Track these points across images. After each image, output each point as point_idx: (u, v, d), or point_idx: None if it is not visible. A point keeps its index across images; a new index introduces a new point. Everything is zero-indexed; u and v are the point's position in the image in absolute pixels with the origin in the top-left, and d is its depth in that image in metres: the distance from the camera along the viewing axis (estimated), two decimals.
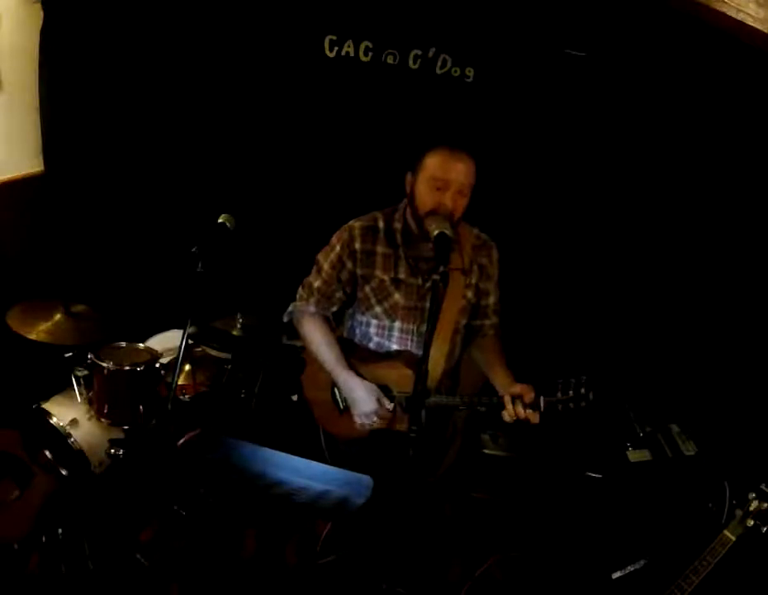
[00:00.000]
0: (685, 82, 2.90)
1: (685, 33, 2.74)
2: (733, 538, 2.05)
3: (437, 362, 2.09)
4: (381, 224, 2.14)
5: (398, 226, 2.13)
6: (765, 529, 2.05)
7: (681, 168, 3.03)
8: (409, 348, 2.16)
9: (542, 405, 1.90)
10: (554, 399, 1.89)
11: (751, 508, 2.06)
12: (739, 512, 2.09)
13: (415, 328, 2.14)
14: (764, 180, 2.92)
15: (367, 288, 2.14)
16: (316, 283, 2.18)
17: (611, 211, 3.15)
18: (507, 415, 1.93)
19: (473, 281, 2.18)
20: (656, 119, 3.00)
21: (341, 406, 2.21)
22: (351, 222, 2.17)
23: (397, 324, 2.15)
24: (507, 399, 1.93)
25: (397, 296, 2.13)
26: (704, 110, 2.92)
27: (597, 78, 2.99)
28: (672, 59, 2.87)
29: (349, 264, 2.13)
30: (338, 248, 2.14)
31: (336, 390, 2.21)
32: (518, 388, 1.94)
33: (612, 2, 2.84)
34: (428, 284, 2.10)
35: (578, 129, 3.08)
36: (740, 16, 2.29)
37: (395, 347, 2.17)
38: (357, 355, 2.19)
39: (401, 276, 2.12)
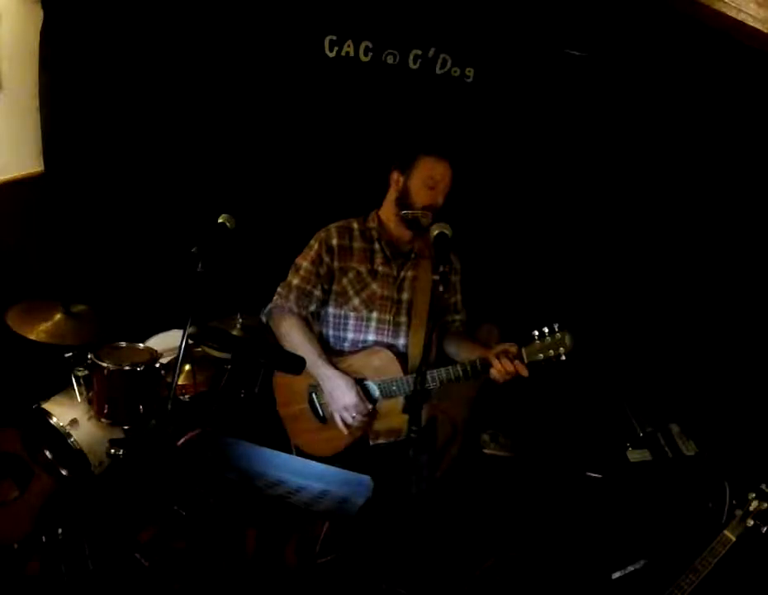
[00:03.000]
0: (686, 82, 2.90)
1: (685, 33, 2.74)
2: (733, 538, 2.05)
3: (415, 350, 2.15)
4: (355, 225, 2.29)
5: (372, 224, 2.28)
6: (765, 529, 2.05)
7: (681, 167, 3.03)
8: (384, 338, 2.20)
9: (524, 357, 1.92)
10: (534, 348, 1.91)
11: (751, 508, 2.06)
12: (739, 512, 2.09)
13: (391, 318, 2.21)
14: (764, 180, 2.92)
15: (345, 281, 2.22)
16: (295, 281, 2.23)
17: (610, 212, 3.15)
18: (496, 372, 1.94)
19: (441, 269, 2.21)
20: (656, 119, 3.00)
21: (320, 414, 2.20)
22: (328, 225, 2.29)
23: (374, 315, 2.20)
24: (492, 357, 1.95)
25: (374, 286, 2.21)
26: (704, 110, 2.92)
27: (597, 79, 2.99)
28: (672, 59, 2.87)
29: (327, 259, 2.22)
30: (316, 246, 2.25)
31: (315, 396, 2.21)
32: (501, 346, 1.98)
33: (612, 2, 2.84)
34: (402, 273, 2.23)
35: (578, 129, 3.08)
36: (740, 17, 2.28)
37: (371, 338, 2.21)
38: (332, 352, 2.23)
39: (377, 267, 2.22)
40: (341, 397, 2.10)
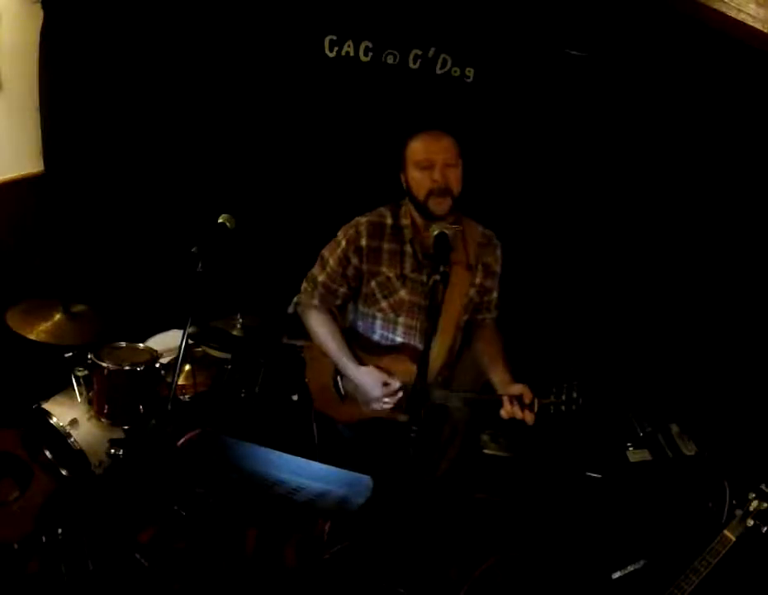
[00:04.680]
0: (685, 82, 2.90)
1: (685, 33, 2.74)
2: (733, 538, 2.05)
3: (438, 355, 2.12)
4: (388, 220, 2.15)
5: (405, 222, 2.14)
6: (765, 529, 2.05)
7: (681, 168, 3.03)
8: (413, 343, 2.17)
9: (535, 406, 1.95)
10: (547, 402, 1.95)
11: (751, 508, 2.06)
12: (739, 512, 2.08)
13: (419, 325, 2.15)
14: (764, 180, 2.92)
15: (373, 283, 2.14)
16: (320, 278, 2.18)
17: (611, 211, 3.15)
18: (504, 412, 1.98)
19: (477, 281, 2.19)
20: (656, 119, 3.00)
21: (341, 394, 2.24)
22: (357, 218, 2.17)
23: (402, 319, 2.15)
24: (506, 399, 1.97)
25: (403, 292, 2.13)
26: (704, 110, 2.92)
27: (597, 78, 2.99)
28: (672, 59, 2.87)
29: (355, 260, 2.13)
30: (343, 244, 2.15)
31: (338, 378, 2.23)
32: (517, 389, 1.97)
33: (612, 2, 2.84)
34: (431, 281, 2.10)
35: (578, 129, 3.08)
36: (740, 17, 2.28)
37: (399, 340, 2.18)
38: (360, 345, 2.21)
39: (407, 272, 2.12)
40: (369, 391, 2.11)
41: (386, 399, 2.11)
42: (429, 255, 2.10)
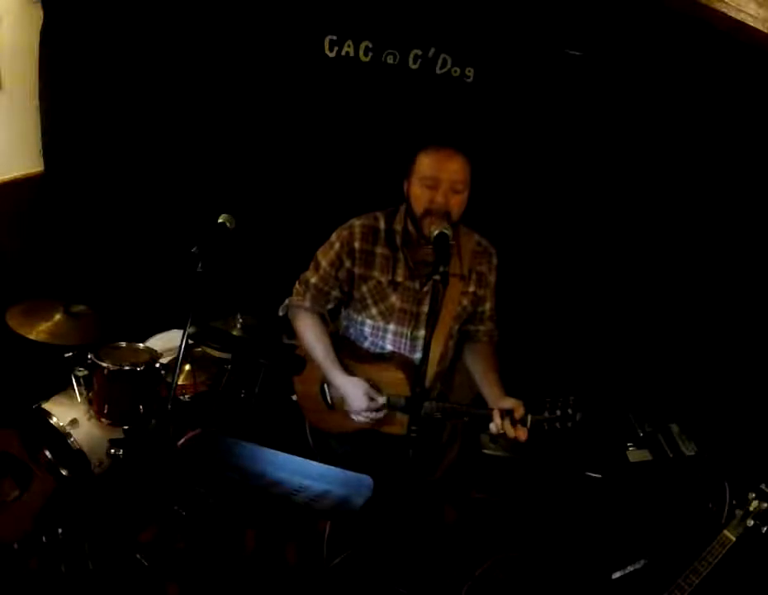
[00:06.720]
0: (685, 82, 2.90)
1: (684, 33, 2.74)
2: (733, 538, 2.05)
3: (429, 364, 2.04)
4: (382, 225, 2.13)
5: (398, 227, 2.11)
6: (765, 529, 2.05)
7: (680, 169, 3.03)
8: (402, 351, 2.14)
9: (528, 422, 1.89)
10: (541, 417, 1.88)
11: (751, 508, 2.06)
12: (739, 512, 2.09)
13: (409, 332, 2.13)
14: (764, 180, 2.92)
15: (364, 288, 2.12)
16: (313, 280, 2.17)
17: (610, 210, 3.15)
18: (494, 427, 1.92)
19: (470, 289, 2.16)
20: (655, 119, 2.99)
21: (329, 402, 2.22)
22: (352, 220, 2.15)
23: (391, 326, 2.13)
24: (496, 413, 1.92)
25: (393, 298, 2.11)
26: (703, 110, 2.92)
27: (597, 79, 2.99)
28: (672, 59, 2.87)
29: (348, 263, 2.11)
30: (337, 246, 2.13)
31: (325, 386, 2.22)
32: (509, 403, 1.92)
33: (611, 2, 2.84)
34: (425, 288, 2.09)
35: (578, 129, 3.08)
36: (740, 17, 2.28)
37: (389, 347, 2.16)
38: (350, 353, 2.19)
39: (399, 279, 2.10)
40: (352, 401, 2.09)
41: (368, 413, 2.08)
42: (421, 262, 2.09)
